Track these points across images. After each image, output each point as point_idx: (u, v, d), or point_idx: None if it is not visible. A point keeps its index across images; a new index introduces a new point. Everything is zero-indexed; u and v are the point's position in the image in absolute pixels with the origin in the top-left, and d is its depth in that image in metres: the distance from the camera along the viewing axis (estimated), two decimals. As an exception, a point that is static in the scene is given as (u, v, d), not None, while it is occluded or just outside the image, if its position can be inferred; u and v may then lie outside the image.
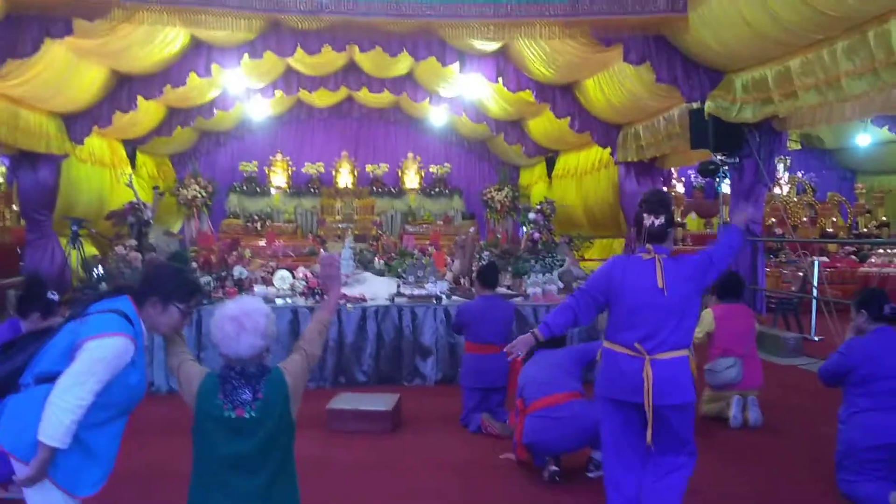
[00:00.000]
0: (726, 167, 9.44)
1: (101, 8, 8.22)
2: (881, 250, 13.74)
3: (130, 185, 10.52)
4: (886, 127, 13.53)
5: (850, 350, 4.44)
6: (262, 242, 13.50)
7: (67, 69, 9.74)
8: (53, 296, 4.21)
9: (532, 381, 4.95)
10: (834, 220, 16.78)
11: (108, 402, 2.73)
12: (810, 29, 6.78)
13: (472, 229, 8.97)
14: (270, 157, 17.39)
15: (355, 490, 4.69)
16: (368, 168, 17.69)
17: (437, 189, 17.76)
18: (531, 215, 9.36)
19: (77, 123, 11.17)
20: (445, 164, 17.92)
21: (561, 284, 8.14)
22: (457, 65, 11.09)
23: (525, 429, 4.82)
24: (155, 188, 12.54)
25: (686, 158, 11.82)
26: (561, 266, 8.40)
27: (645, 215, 3.69)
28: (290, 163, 17.50)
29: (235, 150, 17.63)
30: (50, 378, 2.68)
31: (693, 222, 16.21)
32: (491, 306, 6.14)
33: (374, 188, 17.53)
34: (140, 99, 11.23)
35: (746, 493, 4.63)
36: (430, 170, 17.90)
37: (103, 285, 7.08)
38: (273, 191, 17.22)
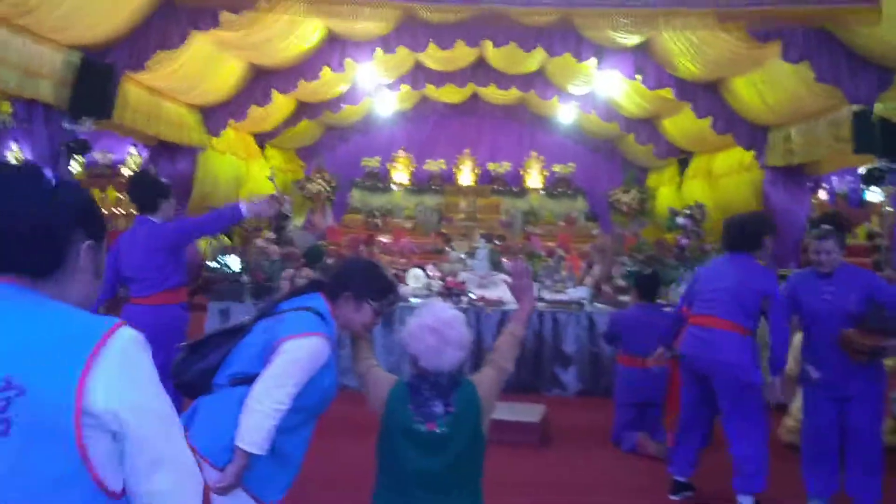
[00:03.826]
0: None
1: (248, 0, 8.23)
2: None
3: (272, 180, 10.58)
4: None
5: None
6: (385, 239, 13.35)
7: (208, 61, 9.86)
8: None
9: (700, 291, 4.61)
10: None
11: (302, 405, 2.55)
12: None
13: (603, 233, 8.50)
14: (393, 154, 17.30)
15: (509, 508, 4.39)
16: (490, 166, 17.38)
17: (559, 189, 17.25)
18: (679, 220, 8.81)
19: (214, 116, 11.35)
20: (569, 163, 17.38)
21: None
22: (593, 60, 10.64)
23: (684, 338, 4.55)
24: (296, 182, 12.59)
25: (838, 164, 10.97)
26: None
27: None
28: (412, 159, 17.38)
29: (358, 146, 17.59)
30: (245, 380, 2.52)
31: (836, 231, 15.18)
32: (648, 317, 5.72)
33: (496, 187, 17.21)
34: (273, 93, 11.32)
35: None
36: (554, 169, 17.39)
37: (245, 277, 7.04)
38: (394, 187, 17.14)
